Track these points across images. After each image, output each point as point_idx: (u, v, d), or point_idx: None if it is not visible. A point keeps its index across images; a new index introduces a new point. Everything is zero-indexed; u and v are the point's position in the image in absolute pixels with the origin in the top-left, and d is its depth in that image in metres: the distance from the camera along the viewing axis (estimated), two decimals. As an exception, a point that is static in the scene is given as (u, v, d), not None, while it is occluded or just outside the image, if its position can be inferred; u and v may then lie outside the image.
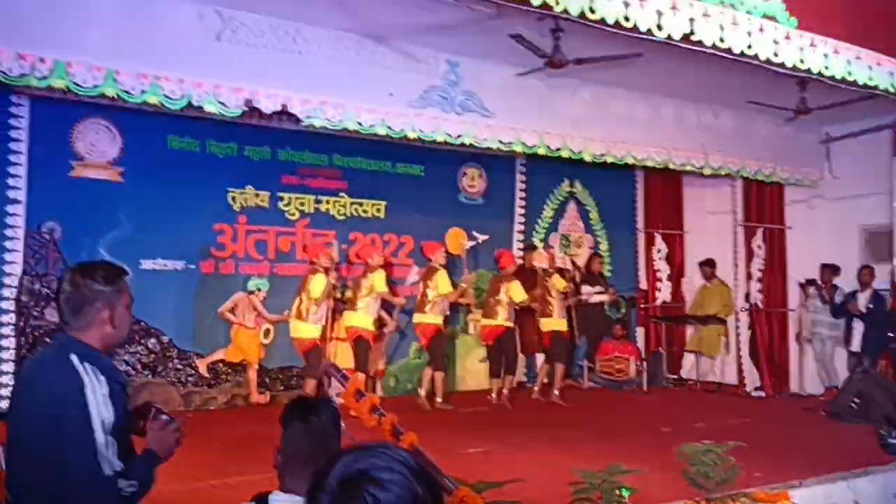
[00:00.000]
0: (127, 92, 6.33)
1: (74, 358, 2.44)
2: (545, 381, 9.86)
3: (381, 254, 9.19)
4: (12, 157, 7.85)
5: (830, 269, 10.32)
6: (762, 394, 10.57)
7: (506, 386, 9.32)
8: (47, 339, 7.43)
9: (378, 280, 8.73)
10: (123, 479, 2.43)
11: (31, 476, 2.43)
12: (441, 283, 8.95)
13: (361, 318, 8.73)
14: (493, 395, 9.28)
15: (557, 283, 9.70)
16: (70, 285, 2.52)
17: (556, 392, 9.55)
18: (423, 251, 9.46)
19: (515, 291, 9.23)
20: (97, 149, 8.36)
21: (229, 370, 8.89)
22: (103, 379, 2.46)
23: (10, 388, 6.93)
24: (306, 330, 8.30)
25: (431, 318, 8.99)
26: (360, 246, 9.58)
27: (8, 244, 7.76)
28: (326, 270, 8.37)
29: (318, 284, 8.23)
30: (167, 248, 8.59)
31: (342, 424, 3.86)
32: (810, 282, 10.58)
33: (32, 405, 2.45)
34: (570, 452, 6.81)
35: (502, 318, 9.28)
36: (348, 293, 9.00)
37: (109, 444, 2.41)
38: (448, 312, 9.34)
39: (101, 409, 2.40)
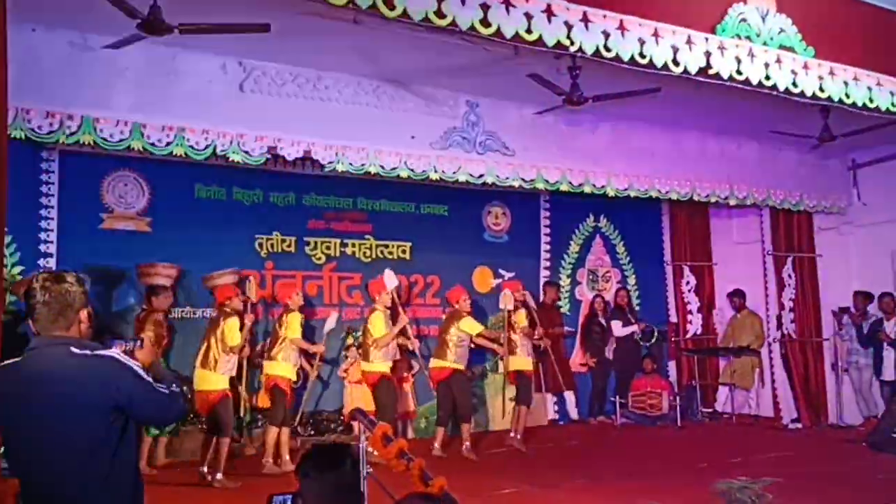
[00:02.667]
0: (153, 144, 6.48)
1: (74, 349, 2.70)
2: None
3: (300, 293, 8.28)
4: (43, 211, 8.02)
5: (863, 297, 10.16)
6: (799, 426, 10.36)
7: (465, 436, 8.55)
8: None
9: (292, 324, 7.92)
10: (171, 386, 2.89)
11: (93, 444, 2.67)
12: (377, 326, 8.29)
13: (280, 366, 7.88)
14: (436, 444, 8.44)
15: (520, 319, 9.02)
16: (47, 293, 2.74)
17: (518, 436, 8.93)
18: (369, 289, 8.78)
19: (468, 325, 8.64)
20: (126, 200, 8.51)
21: (260, 416, 8.87)
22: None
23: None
24: (215, 381, 7.46)
25: (377, 365, 8.29)
26: (279, 285, 8.83)
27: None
28: (239, 314, 7.66)
29: (233, 330, 7.45)
30: (196, 296, 8.66)
31: (369, 469, 3.88)
32: (844, 310, 10.42)
33: (65, 393, 2.64)
34: (603, 491, 6.72)
35: (451, 360, 8.61)
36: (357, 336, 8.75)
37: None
38: (396, 357, 8.67)
39: (132, 362, 2.78)
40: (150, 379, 2.79)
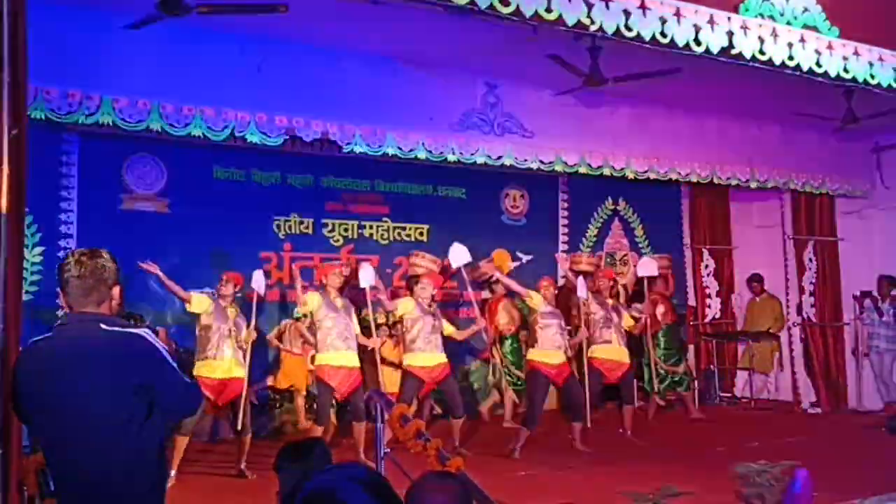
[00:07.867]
0: (171, 125, 6.49)
1: (104, 326, 2.70)
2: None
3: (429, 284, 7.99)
4: (64, 193, 8.08)
5: (888, 281, 10.06)
6: (818, 410, 10.31)
7: (455, 432, 7.51)
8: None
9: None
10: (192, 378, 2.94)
11: (120, 424, 2.66)
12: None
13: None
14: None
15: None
16: (81, 267, 2.73)
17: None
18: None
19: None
20: (145, 181, 8.55)
21: (278, 397, 8.93)
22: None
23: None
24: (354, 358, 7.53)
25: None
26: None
27: (61, 277, 7.93)
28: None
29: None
30: (214, 277, 8.68)
31: (387, 450, 3.92)
32: (865, 294, 10.33)
33: (94, 369, 2.65)
34: (621, 474, 6.71)
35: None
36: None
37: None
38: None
39: (160, 343, 2.78)
40: (175, 364, 2.78)
